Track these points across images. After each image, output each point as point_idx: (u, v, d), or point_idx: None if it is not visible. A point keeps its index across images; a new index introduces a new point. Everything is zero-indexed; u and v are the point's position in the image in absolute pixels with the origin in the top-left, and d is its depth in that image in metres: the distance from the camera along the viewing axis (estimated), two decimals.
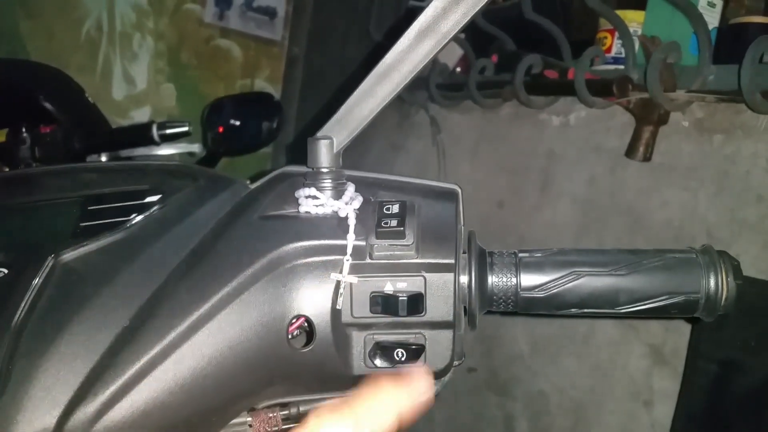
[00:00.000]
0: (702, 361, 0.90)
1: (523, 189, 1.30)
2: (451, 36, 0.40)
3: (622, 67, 1.07)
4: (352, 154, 0.44)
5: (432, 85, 1.41)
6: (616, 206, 1.13)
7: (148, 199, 0.44)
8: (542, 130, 1.27)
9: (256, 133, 1.23)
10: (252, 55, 1.92)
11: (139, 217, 0.42)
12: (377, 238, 0.40)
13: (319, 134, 0.42)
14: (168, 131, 1.04)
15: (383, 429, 0.31)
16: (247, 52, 1.91)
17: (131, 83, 1.72)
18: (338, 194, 0.42)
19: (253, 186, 0.46)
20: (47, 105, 1.06)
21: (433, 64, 1.43)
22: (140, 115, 1.73)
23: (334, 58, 1.90)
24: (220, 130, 1.22)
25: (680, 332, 1.01)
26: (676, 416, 0.96)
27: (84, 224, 0.42)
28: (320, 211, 0.42)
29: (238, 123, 1.23)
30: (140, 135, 1.05)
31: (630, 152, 1.04)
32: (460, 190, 0.46)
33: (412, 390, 0.33)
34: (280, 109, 1.25)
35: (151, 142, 1.04)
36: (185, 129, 1.05)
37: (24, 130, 1.02)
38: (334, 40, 1.93)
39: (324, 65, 1.93)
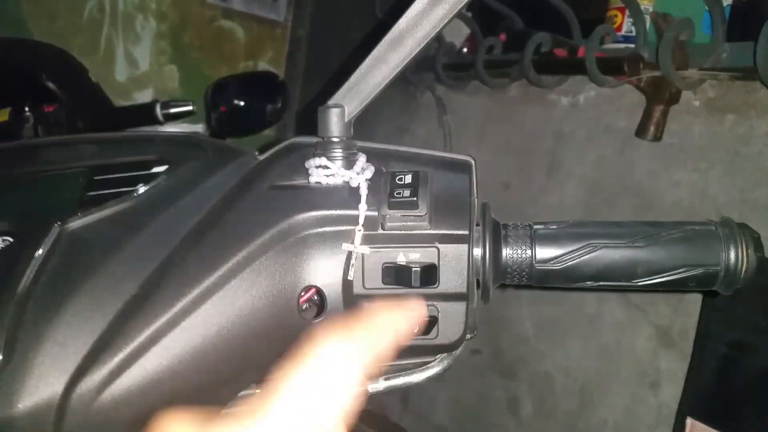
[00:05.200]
0: (711, 342, 0.90)
1: (531, 170, 1.29)
2: (467, 0, 0.39)
3: (632, 45, 1.06)
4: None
5: (438, 65, 1.39)
6: (624, 187, 1.12)
7: (155, 170, 0.43)
8: (551, 110, 1.25)
9: (260, 114, 1.22)
10: (255, 37, 1.89)
11: (146, 187, 0.41)
12: (389, 208, 0.39)
13: (330, 102, 0.41)
14: (172, 110, 1.03)
15: (381, 349, 0.31)
16: (250, 34, 1.89)
17: (134, 65, 1.71)
18: (349, 164, 0.41)
19: (262, 157, 0.45)
20: (50, 84, 1.05)
21: (440, 43, 1.41)
22: (143, 97, 1.72)
23: (338, 39, 1.88)
24: (223, 109, 1.21)
25: (688, 313, 1.00)
26: (683, 397, 0.96)
27: (90, 194, 0.41)
28: (331, 181, 0.41)
29: (241, 103, 1.22)
30: (144, 114, 1.04)
31: (640, 132, 1.03)
32: (473, 162, 0.45)
33: (407, 312, 0.33)
34: (285, 88, 1.23)
35: (154, 121, 1.03)
36: (189, 108, 1.04)
37: (27, 109, 1.01)
38: (338, 21, 1.91)
39: (328, 47, 1.91)
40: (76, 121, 1.03)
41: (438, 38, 1.41)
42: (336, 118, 0.41)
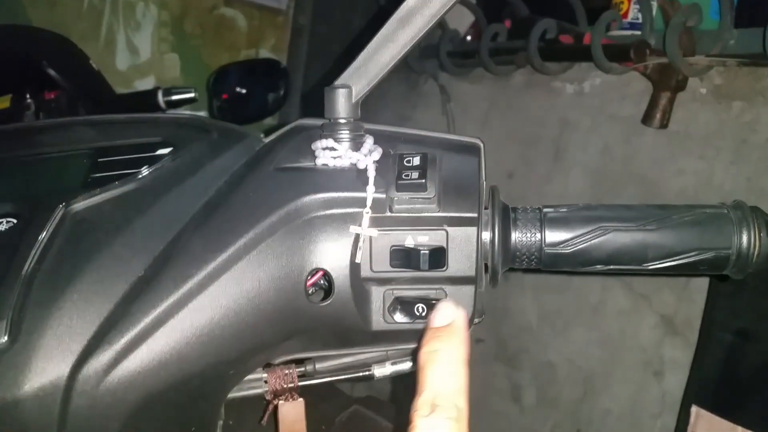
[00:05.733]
0: (717, 330, 0.89)
1: (535, 159, 1.28)
2: None
3: (639, 32, 1.05)
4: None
5: (442, 52, 1.38)
6: (629, 176, 1.11)
7: (160, 152, 0.42)
8: (555, 98, 1.24)
9: (263, 101, 1.22)
10: (256, 25, 1.88)
11: (151, 169, 0.41)
12: (398, 190, 0.39)
13: (337, 83, 0.41)
14: (174, 97, 1.03)
15: (465, 383, 0.30)
16: (252, 22, 1.87)
17: (135, 53, 1.70)
18: (357, 146, 0.41)
19: (268, 139, 0.45)
20: (51, 71, 1.04)
21: (444, 30, 1.40)
22: (144, 86, 1.71)
23: (340, 27, 1.87)
24: (225, 97, 1.20)
25: (693, 302, 1.00)
26: (688, 386, 0.95)
27: (95, 175, 0.40)
28: (338, 163, 0.41)
29: (244, 91, 1.21)
30: (145, 101, 1.04)
31: (646, 119, 1.02)
32: (482, 145, 0.44)
33: (457, 335, 0.32)
34: (287, 75, 1.23)
35: (156, 108, 1.03)
36: (191, 95, 1.04)
37: (28, 96, 1.01)
38: (340, 9, 1.89)
39: (330, 35, 1.89)
40: (78, 108, 1.02)
41: (442, 25, 1.40)
42: (343, 99, 0.40)
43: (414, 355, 0.44)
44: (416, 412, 0.29)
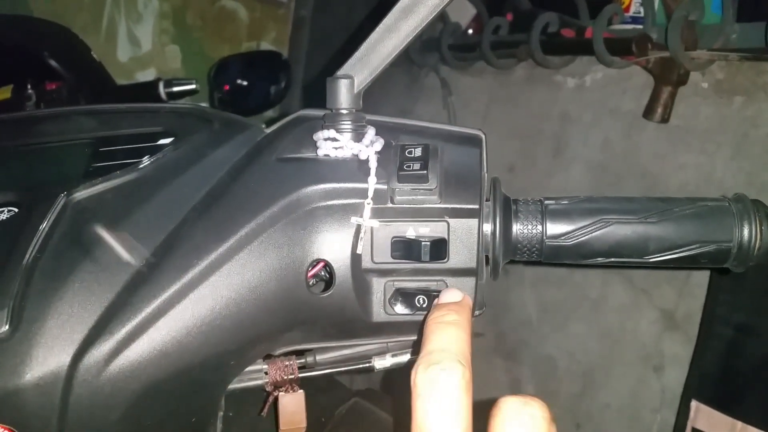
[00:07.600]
0: (717, 325, 0.89)
1: (535, 153, 1.28)
2: None
3: (641, 26, 1.05)
4: None
5: (444, 46, 1.38)
6: (630, 170, 1.11)
7: (161, 142, 0.42)
8: (556, 92, 1.24)
9: (264, 93, 1.21)
10: (258, 17, 1.88)
11: (152, 159, 0.41)
12: (399, 181, 0.39)
13: (339, 73, 0.41)
14: (175, 89, 1.03)
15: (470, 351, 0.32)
16: (253, 14, 1.87)
17: (136, 45, 1.69)
18: (358, 137, 0.41)
19: (270, 129, 0.44)
20: (52, 62, 1.04)
21: (445, 24, 1.39)
22: (145, 77, 1.70)
23: (341, 20, 1.86)
24: (226, 88, 1.20)
25: (693, 297, 1.00)
26: (688, 380, 0.96)
27: (96, 165, 0.40)
28: (340, 153, 0.41)
29: (245, 83, 1.21)
30: (147, 93, 1.04)
31: (648, 113, 1.02)
32: (484, 136, 0.44)
33: (465, 311, 0.33)
34: (288, 67, 1.23)
35: (157, 99, 1.03)
36: (192, 87, 1.04)
37: (29, 86, 1.01)
38: (341, 1, 1.89)
39: (331, 28, 1.89)
40: (79, 99, 1.02)
41: (443, 18, 1.39)
42: (345, 89, 0.40)
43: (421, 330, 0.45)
44: (419, 367, 0.29)
